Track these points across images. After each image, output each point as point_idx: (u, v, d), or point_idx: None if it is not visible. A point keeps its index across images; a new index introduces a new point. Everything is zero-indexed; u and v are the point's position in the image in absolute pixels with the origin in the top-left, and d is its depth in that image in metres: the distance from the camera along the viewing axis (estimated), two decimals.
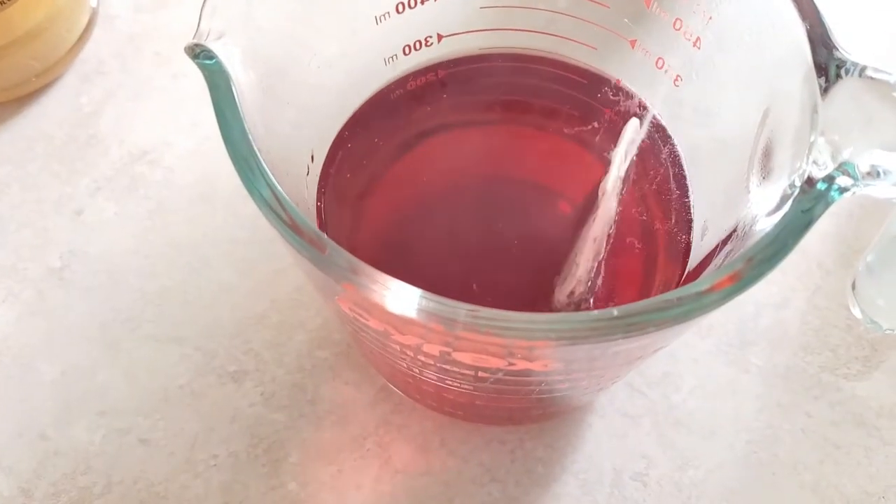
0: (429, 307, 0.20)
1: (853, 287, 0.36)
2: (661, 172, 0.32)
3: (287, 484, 0.34)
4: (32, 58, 0.41)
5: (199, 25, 0.25)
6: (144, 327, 0.37)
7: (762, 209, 0.24)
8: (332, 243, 0.21)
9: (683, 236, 0.31)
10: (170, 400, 0.36)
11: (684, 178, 0.31)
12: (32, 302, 0.38)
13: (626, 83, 0.33)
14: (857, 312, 0.36)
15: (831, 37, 0.24)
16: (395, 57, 0.33)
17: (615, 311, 0.20)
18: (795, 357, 0.37)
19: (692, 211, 0.31)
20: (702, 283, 0.20)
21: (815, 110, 0.23)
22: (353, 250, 0.31)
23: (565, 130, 0.34)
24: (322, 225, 0.30)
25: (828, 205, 0.22)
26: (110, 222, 0.40)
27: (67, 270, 0.38)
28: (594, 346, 0.21)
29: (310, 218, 0.29)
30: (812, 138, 0.23)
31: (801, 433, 0.36)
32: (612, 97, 0.33)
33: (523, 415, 0.33)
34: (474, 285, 0.31)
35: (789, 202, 0.22)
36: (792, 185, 0.23)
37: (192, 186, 0.41)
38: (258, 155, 0.23)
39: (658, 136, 0.32)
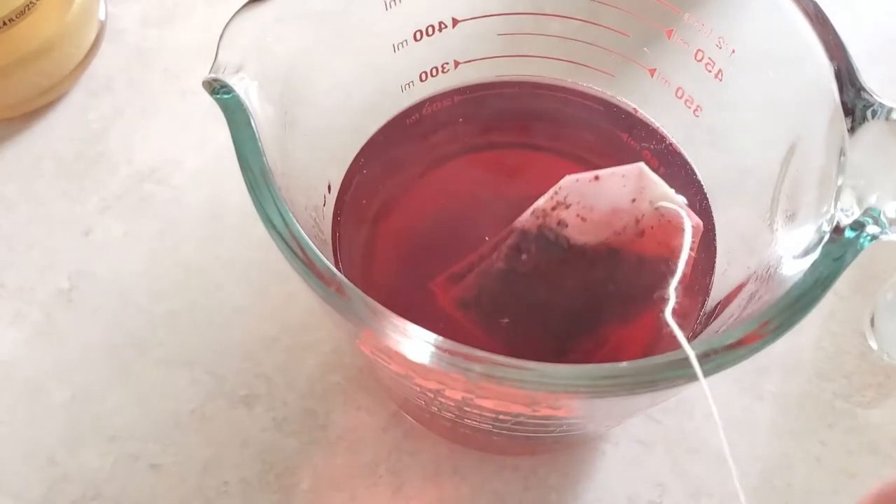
0: (447, 358, 0.20)
1: (871, 323, 0.36)
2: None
3: None
4: (40, 74, 0.41)
5: (216, 58, 0.25)
6: (154, 350, 0.37)
7: (788, 251, 0.24)
8: (353, 288, 0.21)
9: (706, 269, 0.30)
10: (180, 425, 0.36)
11: (708, 208, 0.31)
12: (41, 324, 0.37)
13: (644, 112, 0.33)
14: (874, 346, 0.36)
15: (859, 77, 0.24)
16: (411, 83, 0.33)
17: (641, 365, 0.20)
18: (809, 384, 0.37)
19: (715, 243, 0.30)
20: (730, 336, 0.20)
21: (842, 153, 0.23)
22: (368, 281, 0.31)
23: (582, 158, 0.34)
24: (337, 256, 0.30)
25: (857, 253, 0.22)
26: (119, 242, 0.39)
27: (76, 292, 0.38)
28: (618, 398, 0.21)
29: (326, 251, 0.29)
30: (840, 182, 0.23)
31: (815, 462, 0.35)
32: (629, 125, 0.33)
33: (538, 446, 0.33)
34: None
35: (818, 248, 0.22)
36: (820, 230, 0.23)
37: (201, 205, 0.40)
38: (277, 191, 0.22)
39: (679, 165, 0.32)
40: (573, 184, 0.29)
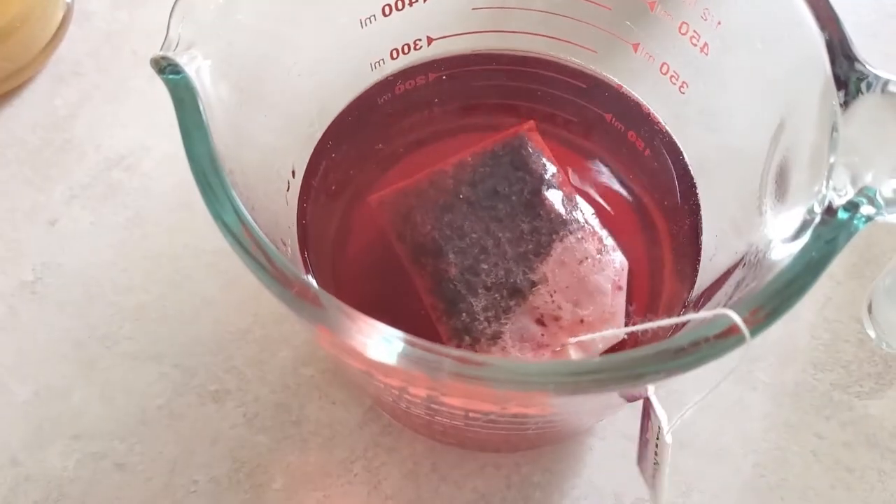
0: (412, 356, 0.18)
1: (869, 310, 0.34)
2: (670, 182, 0.30)
3: None
4: (4, 58, 0.39)
5: (167, 34, 0.23)
6: (121, 344, 0.35)
7: (778, 235, 0.22)
8: (302, 277, 0.19)
9: (693, 254, 0.29)
10: (147, 422, 0.34)
11: (694, 190, 0.29)
12: (3, 317, 0.36)
13: (629, 88, 0.31)
14: (872, 334, 0.34)
15: (852, 47, 0.22)
16: (381, 61, 0.31)
17: (619, 359, 0.18)
18: (805, 373, 0.35)
19: (702, 226, 0.29)
20: (715, 327, 0.19)
21: (834, 128, 0.21)
22: (338, 272, 0.30)
23: (564, 137, 0.32)
24: (303, 245, 0.28)
25: (851, 235, 0.20)
26: (86, 232, 0.38)
27: (40, 284, 0.37)
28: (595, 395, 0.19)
29: (290, 238, 0.27)
30: (832, 160, 0.21)
31: (811, 455, 0.34)
32: (613, 104, 0.31)
33: (519, 442, 0.32)
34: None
35: (809, 230, 0.20)
36: (811, 212, 0.21)
37: (171, 193, 0.39)
38: (227, 181, 0.21)
39: (665, 143, 0.30)
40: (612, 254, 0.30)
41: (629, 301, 0.30)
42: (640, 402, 0.34)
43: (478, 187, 0.30)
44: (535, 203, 0.30)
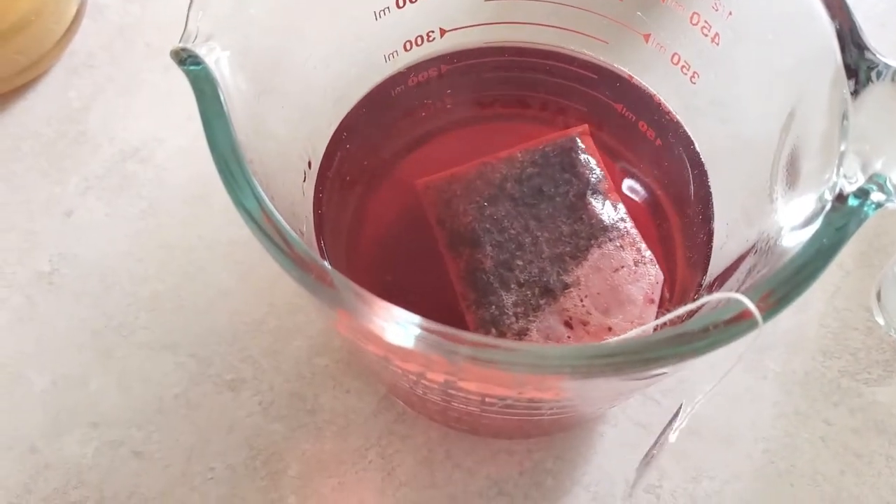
0: (429, 339, 0.18)
1: (878, 297, 0.34)
2: (681, 172, 0.31)
3: (286, 498, 0.33)
4: (18, 52, 0.40)
5: (186, 26, 0.23)
6: (138, 334, 0.36)
7: (788, 222, 0.23)
8: (337, 273, 0.20)
9: (704, 242, 0.29)
10: (164, 410, 0.34)
11: (706, 178, 0.30)
12: (21, 308, 0.36)
13: (640, 79, 0.32)
14: (881, 321, 0.35)
15: (862, 36, 0.22)
16: (395, 53, 0.31)
17: (634, 344, 0.18)
18: (814, 361, 0.36)
19: (713, 214, 0.29)
20: (727, 311, 0.19)
21: (844, 117, 0.22)
22: (352, 261, 0.30)
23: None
24: (319, 233, 0.29)
25: (861, 222, 0.20)
26: (101, 223, 0.38)
27: (57, 274, 0.37)
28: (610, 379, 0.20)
29: (306, 227, 0.28)
30: (842, 147, 0.21)
31: (820, 441, 0.34)
32: (625, 94, 0.32)
33: (532, 429, 0.32)
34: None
35: (820, 217, 0.21)
36: (821, 199, 0.21)
37: (186, 185, 0.39)
38: (247, 169, 0.21)
39: (676, 133, 0.31)
40: (647, 266, 0.30)
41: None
42: (652, 391, 0.35)
43: (524, 184, 0.31)
44: (579, 206, 0.31)
